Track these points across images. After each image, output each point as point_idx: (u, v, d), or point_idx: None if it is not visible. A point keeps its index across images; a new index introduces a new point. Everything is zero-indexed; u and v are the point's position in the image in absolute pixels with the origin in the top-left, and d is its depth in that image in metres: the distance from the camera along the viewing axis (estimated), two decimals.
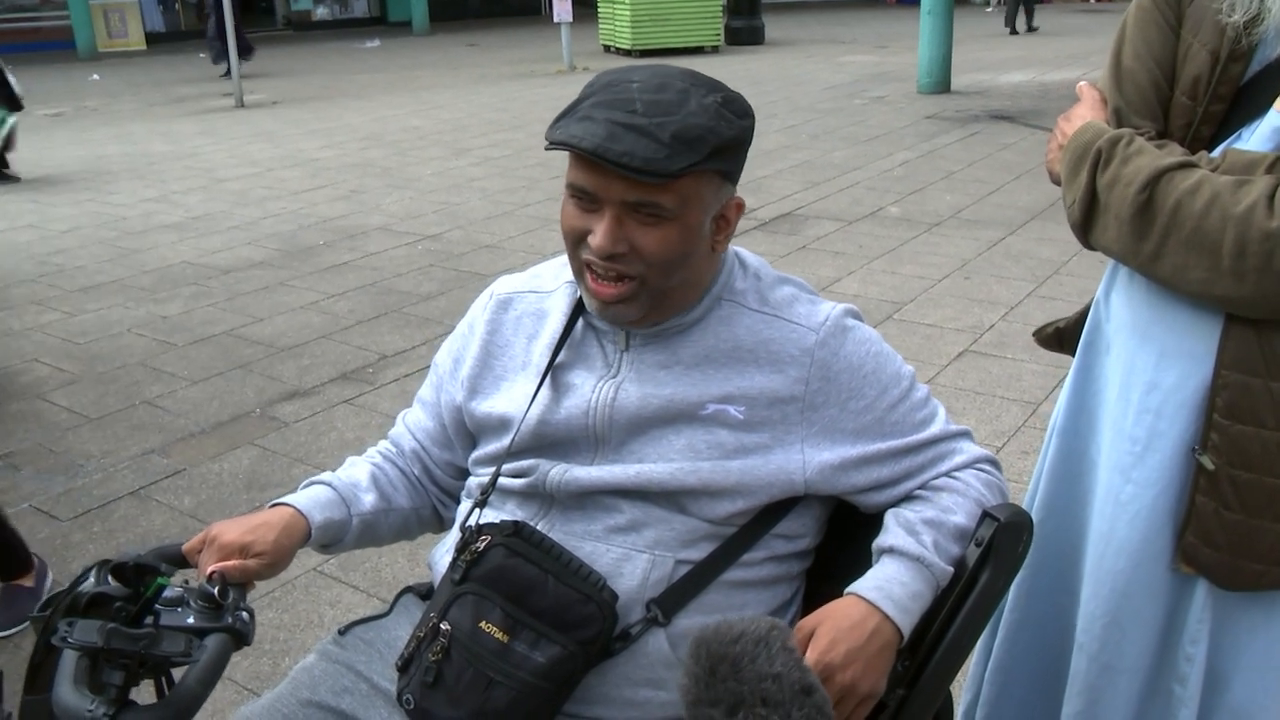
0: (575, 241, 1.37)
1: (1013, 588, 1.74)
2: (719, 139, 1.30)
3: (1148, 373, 1.48)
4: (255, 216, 7.68)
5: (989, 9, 20.14)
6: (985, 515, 1.36)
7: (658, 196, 1.30)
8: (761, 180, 7.96)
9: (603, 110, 1.29)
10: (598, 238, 1.32)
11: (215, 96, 14.19)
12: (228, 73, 15.14)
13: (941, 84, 12.04)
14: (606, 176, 1.30)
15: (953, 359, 4.60)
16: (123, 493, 3.69)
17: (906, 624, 1.32)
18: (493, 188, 8.26)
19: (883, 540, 1.39)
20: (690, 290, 1.42)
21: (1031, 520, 1.35)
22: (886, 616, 1.31)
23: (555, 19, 15.19)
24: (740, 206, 1.42)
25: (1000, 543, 1.32)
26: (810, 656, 1.27)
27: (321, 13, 25.21)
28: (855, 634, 1.30)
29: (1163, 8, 1.46)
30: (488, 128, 11.14)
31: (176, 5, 23.45)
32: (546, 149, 1.35)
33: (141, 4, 22.15)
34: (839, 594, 1.41)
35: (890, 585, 1.33)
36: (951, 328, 4.96)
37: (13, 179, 9.29)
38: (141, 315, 5.60)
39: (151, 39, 21.80)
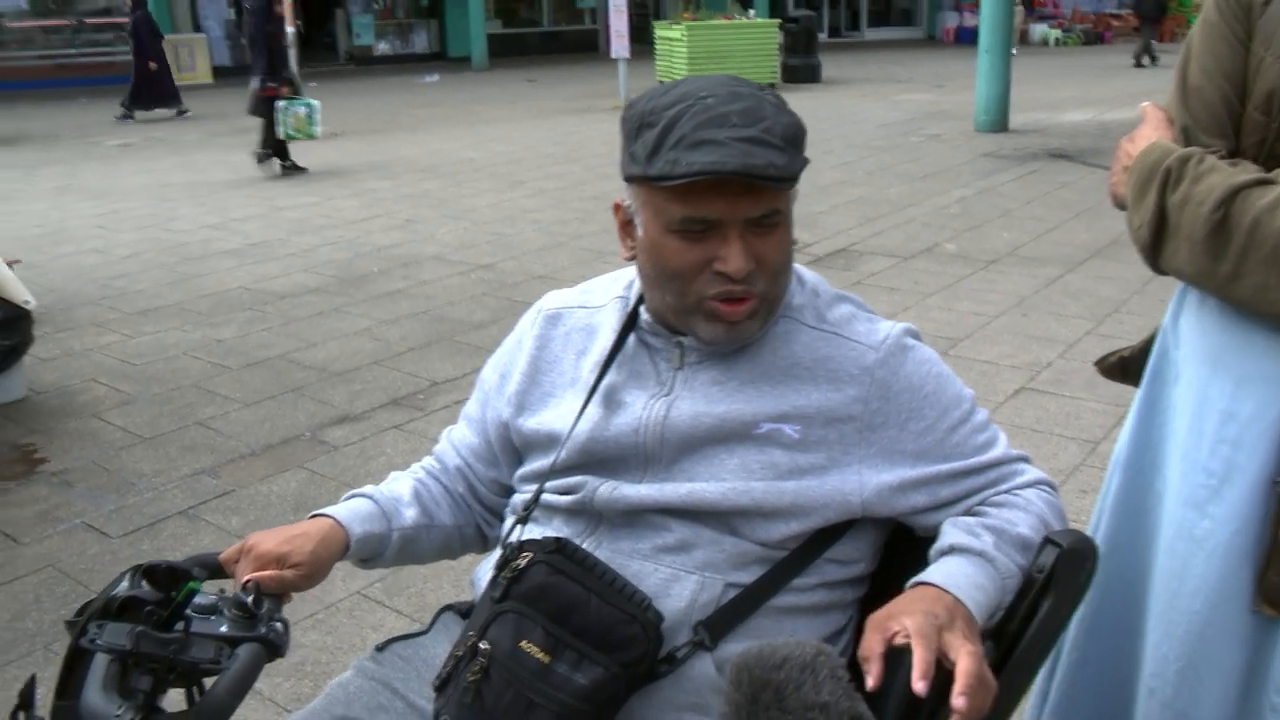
0: (691, 277, 1.32)
1: (1073, 626, 1.67)
2: (803, 131, 1.31)
3: (1223, 401, 1.41)
4: (312, 244, 7.77)
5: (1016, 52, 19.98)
6: (1047, 541, 1.29)
7: (778, 203, 1.30)
8: (816, 216, 7.92)
9: (710, 130, 1.26)
10: (733, 261, 1.28)
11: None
12: (124, 116, 15.49)
13: (999, 122, 11.95)
14: (731, 197, 1.27)
15: (1009, 396, 4.51)
16: (172, 512, 3.71)
17: (977, 611, 1.23)
18: (547, 219, 8.30)
19: (940, 543, 1.34)
20: (784, 292, 1.39)
21: (1096, 547, 1.28)
22: (957, 600, 1.23)
23: (613, 55, 15.31)
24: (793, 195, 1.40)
25: (1062, 570, 1.25)
26: (894, 626, 1.18)
27: (383, 48, 25.65)
28: (935, 604, 1.21)
29: (1231, 22, 1.41)
30: (543, 161, 11.23)
31: (243, 41, 24.00)
32: (668, 185, 1.26)
33: (210, 40, 22.72)
34: None
35: (955, 576, 1.26)
36: (1008, 364, 4.88)
37: (301, 169, 10.62)
38: (197, 338, 5.67)
39: (218, 72, 22.31)
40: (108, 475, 4.04)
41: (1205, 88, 1.42)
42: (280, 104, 10.20)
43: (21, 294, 4.68)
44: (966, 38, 23.07)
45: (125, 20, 22.05)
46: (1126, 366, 1.72)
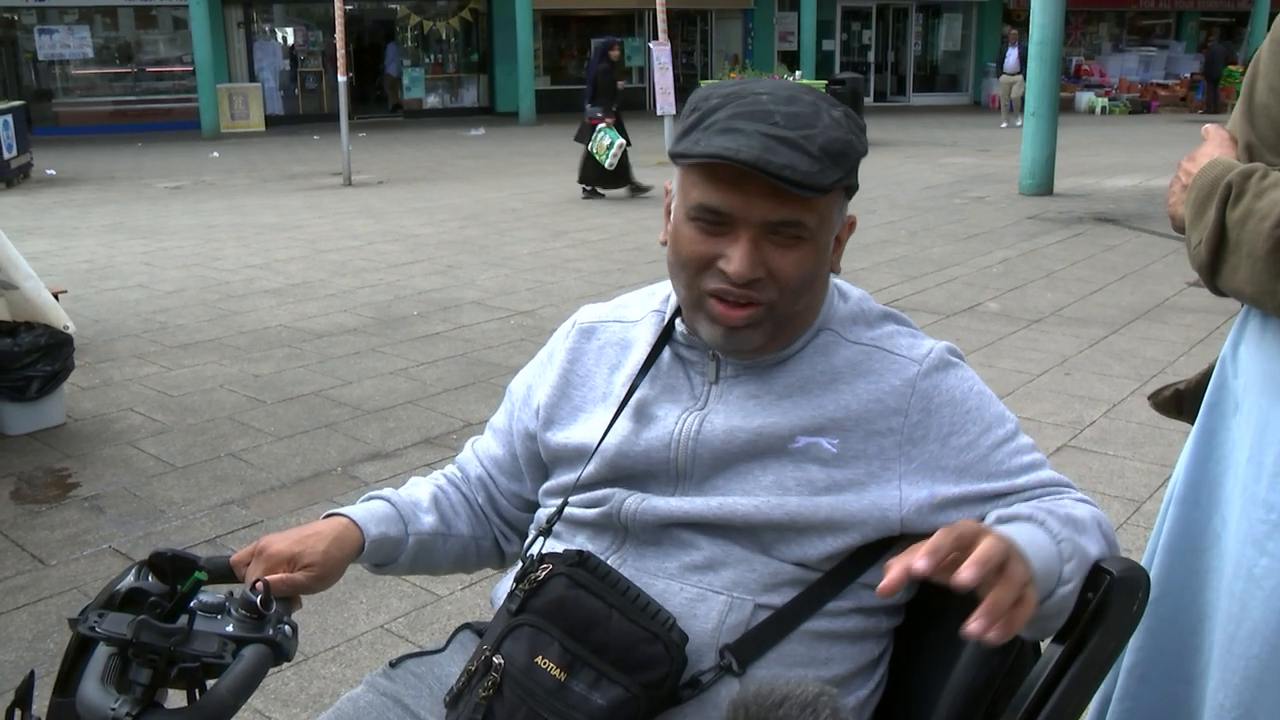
0: (699, 269, 1.27)
1: (1124, 673, 1.59)
2: (856, 153, 1.25)
3: None
4: (353, 286, 7.82)
5: (1004, 126, 20.39)
6: (1097, 568, 1.22)
7: (803, 214, 1.23)
8: (859, 273, 7.86)
9: (745, 122, 1.21)
10: (735, 263, 1.23)
11: (324, 175, 14.65)
12: None
13: (1044, 186, 11.87)
14: (749, 194, 1.22)
15: (1051, 453, 4.40)
16: (199, 540, 3.68)
17: (1036, 568, 1.09)
18: (588, 269, 8.30)
19: (986, 522, 1.24)
20: (808, 315, 1.34)
21: (1148, 576, 1.20)
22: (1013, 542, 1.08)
23: (659, 112, 15.40)
24: (852, 225, 1.35)
25: (1113, 599, 1.17)
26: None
27: (432, 101, 26.07)
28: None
29: None
30: (586, 212, 11.28)
31: (296, 91, 24.52)
32: (685, 164, 1.26)
33: (264, 90, 23.22)
34: (930, 668, 1.29)
35: (1009, 533, 1.13)
36: (1050, 422, 4.77)
37: (644, 188, 12.26)
38: (235, 372, 5.69)
39: (270, 121, 22.77)
40: (138, 502, 4.03)
41: (1271, 105, 1.36)
42: (600, 128, 11.87)
43: (62, 319, 4.73)
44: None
45: (184, 69, 22.69)
46: (1182, 401, 1.65)
